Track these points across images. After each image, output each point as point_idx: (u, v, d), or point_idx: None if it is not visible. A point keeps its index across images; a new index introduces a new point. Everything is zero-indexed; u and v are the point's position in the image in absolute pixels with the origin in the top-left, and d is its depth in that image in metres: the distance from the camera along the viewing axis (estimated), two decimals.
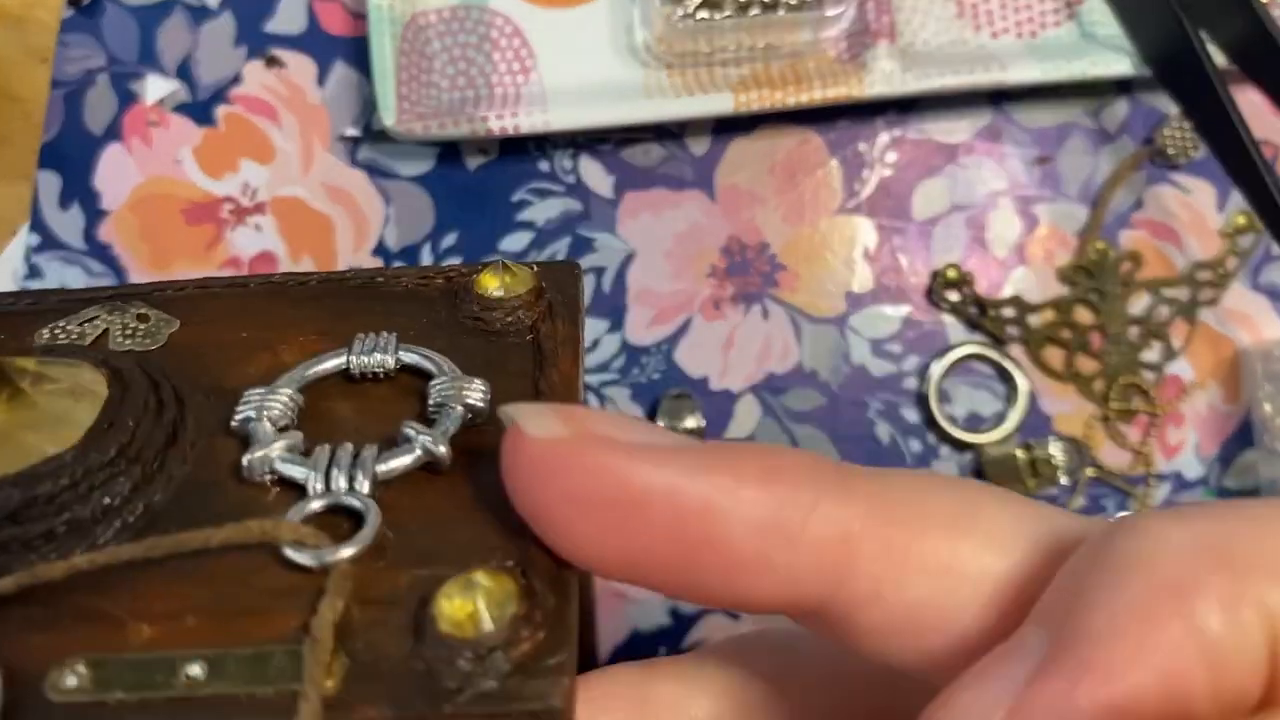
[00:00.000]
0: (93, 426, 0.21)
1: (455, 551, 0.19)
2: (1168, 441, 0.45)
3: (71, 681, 0.18)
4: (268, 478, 0.21)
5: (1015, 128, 0.46)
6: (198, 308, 0.26)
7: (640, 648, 0.43)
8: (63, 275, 0.46)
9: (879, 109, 0.46)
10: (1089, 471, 0.44)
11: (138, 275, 0.46)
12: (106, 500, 0.20)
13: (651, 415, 0.44)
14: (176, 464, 0.21)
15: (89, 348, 0.24)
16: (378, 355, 0.23)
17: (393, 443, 0.21)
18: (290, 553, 0.19)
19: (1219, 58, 0.41)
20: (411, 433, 0.21)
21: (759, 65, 0.44)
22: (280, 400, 0.22)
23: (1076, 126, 0.46)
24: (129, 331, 0.25)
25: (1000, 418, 0.45)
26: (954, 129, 0.46)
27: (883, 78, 0.42)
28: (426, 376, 0.22)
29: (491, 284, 0.24)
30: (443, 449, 0.20)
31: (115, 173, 0.46)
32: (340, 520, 0.20)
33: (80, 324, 0.25)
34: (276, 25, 0.47)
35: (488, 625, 0.18)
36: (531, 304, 0.24)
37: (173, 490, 0.21)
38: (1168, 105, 0.46)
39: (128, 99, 0.46)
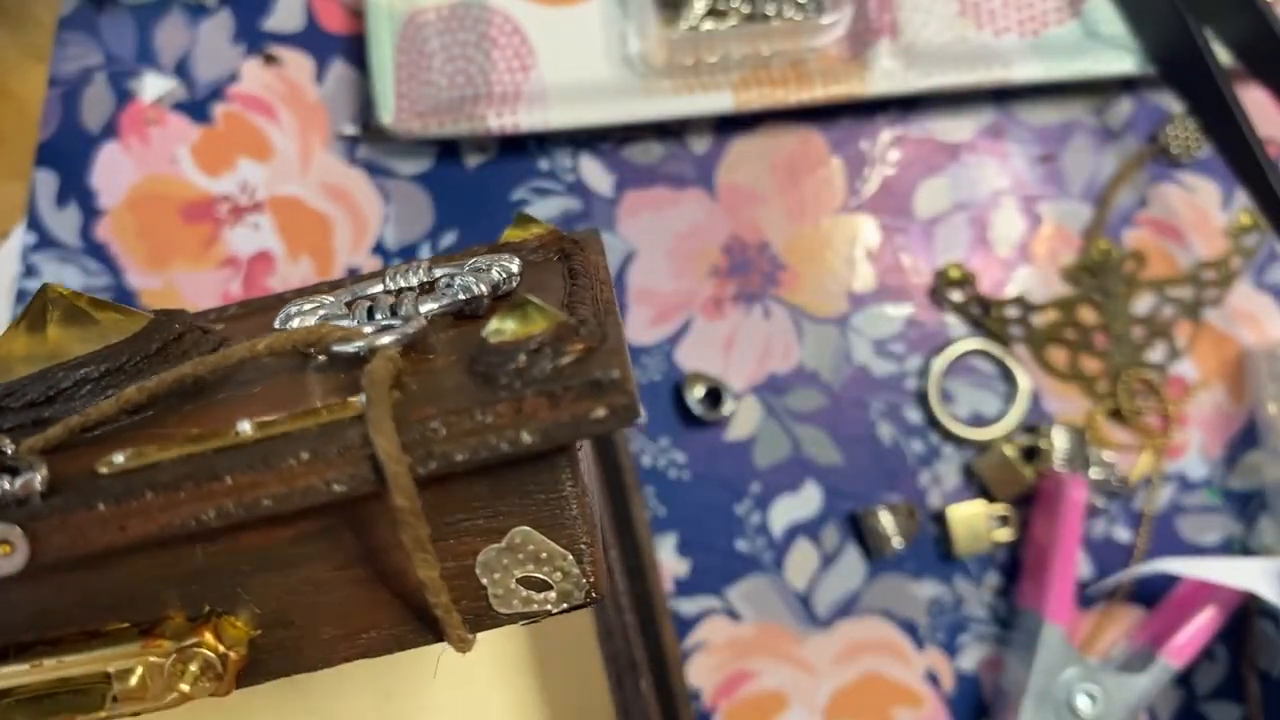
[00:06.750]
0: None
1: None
2: (1172, 442, 0.45)
3: (119, 459, 0.19)
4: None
5: (1018, 126, 0.46)
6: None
7: None
8: (59, 274, 0.45)
9: (881, 107, 0.46)
10: (1093, 473, 0.44)
11: (135, 274, 0.45)
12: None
13: (678, 396, 0.44)
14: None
15: None
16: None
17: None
18: (337, 347, 0.21)
19: (1223, 56, 0.41)
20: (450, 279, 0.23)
21: (759, 64, 0.43)
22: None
23: (1080, 125, 0.46)
24: None
25: (1002, 417, 0.45)
26: (956, 127, 0.46)
27: (885, 75, 0.42)
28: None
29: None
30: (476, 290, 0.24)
31: (112, 171, 0.46)
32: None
33: None
34: (274, 23, 0.46)
35: (539, 325, 0.19)
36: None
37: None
38: (1172, 103, 0.46)
39: (125, 97, 0.46)
